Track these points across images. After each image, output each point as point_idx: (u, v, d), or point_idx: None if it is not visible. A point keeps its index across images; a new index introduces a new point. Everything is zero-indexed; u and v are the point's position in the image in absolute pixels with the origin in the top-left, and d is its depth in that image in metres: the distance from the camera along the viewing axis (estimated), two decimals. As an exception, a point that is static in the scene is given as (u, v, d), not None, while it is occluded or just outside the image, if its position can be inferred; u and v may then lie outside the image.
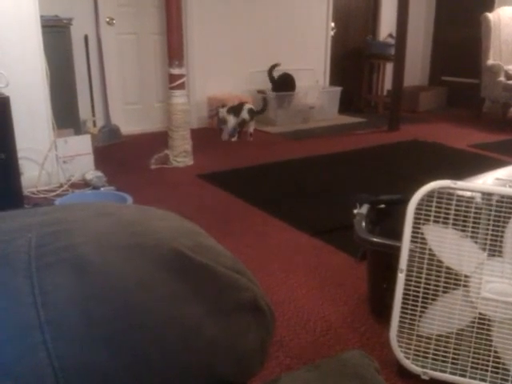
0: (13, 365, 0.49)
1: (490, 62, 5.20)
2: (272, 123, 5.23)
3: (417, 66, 6.73)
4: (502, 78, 5.07)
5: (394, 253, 1.48)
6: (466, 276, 1.40)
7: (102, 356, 0.51)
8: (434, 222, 1.42)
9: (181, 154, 3.80)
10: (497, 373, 1.38)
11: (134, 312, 0.54)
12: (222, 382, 0.61)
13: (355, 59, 6.29)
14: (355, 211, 1.83)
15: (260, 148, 4.37)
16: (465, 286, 1.40)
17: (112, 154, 4.17)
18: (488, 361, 1.38)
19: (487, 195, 1.40)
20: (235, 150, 4.31)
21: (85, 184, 3.31)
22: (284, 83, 5.27)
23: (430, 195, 1.42)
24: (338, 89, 5.75)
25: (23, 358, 0.49)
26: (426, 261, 1.43)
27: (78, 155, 3.39)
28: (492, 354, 1.38)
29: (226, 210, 2.91)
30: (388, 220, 1.85)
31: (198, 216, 2.77)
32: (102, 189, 3.15)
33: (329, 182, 3.40)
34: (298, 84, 5.37)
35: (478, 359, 1.39)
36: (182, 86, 3.71)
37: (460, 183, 1.41)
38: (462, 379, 1.41)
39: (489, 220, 1.38)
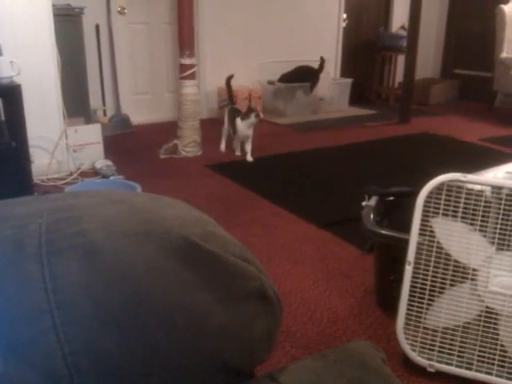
0: (25, 348, 0.50)
1: (504, 55, 5.14)
2: (282, 114, 5.22)
3: (429, 59, 6.67)
4: (515, 72, 5.01)
5: (402, 245, 1.48)
6: (473, 269, 1.40)
7: (111, 342, 0.52)
8: (443, 214, 1.42)
9: (190, 144, 3.81)
10: (503, 366, 1.38)
11: (143, 298, 0.55)
12: (228, 368, 0.62)
13: (367, 51, 6.24)
14: (364, 203, 1.82)
15: (269, 139, 4.37)
16: (472, 279, 1.40)
17: (122, 143, 4.18)
18: (494, 354, 1.38)
19: (497, 189, 1.39)
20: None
21: (94, 173, 3.33)
22: (297, 77, 5.25)
23: (439, 188, 1.42)
24: (349, 80, 5.72)
25: (34, 342, 0.50)
26: (433, 254, 1.42)
27: (88, 144, 3.41)
28: (498, 347, 1.38)
29: (235, 200, 2.92)
30: (397, 212, 1.85)
31: (206, 206, 2.78)
32: (111, 178, 3.16)
33: (338, 174, 3.39)
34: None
35: (485, 353, 1.39)
36: (192, 76, 3.71)
37: (470, 176, 1.41)
38: (467, 372, 1.41)
39: (498, 214, 1.38)
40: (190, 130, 3.79)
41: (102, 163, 3.34)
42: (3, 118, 2.64)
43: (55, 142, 3.22)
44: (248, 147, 3.78)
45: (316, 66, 5.31)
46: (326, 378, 0.70)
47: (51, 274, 0.52)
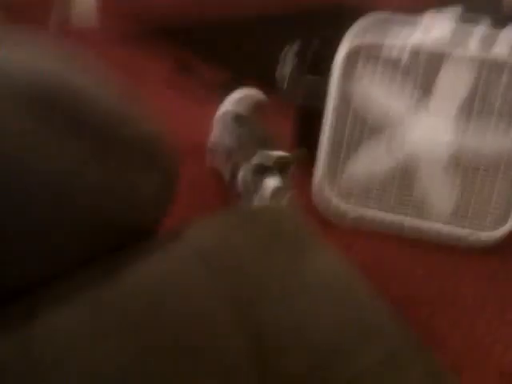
0: None
1: None
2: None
3: None
4: None
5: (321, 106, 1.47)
6: (392, 122, 1.43)
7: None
8: (362, 76, 1.42)
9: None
10: (418, 209, 1.47)
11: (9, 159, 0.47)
12: (117, 226, 0.57)
13: None
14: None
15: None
16: (391, 129, 1.43)
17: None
18: (411, 196, 1.47)
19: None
20: None
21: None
22: None
23: (356, 50, 1.40)
24: None
25: None
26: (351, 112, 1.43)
27: None
28: (414, 192, 1.47)
29: (137, 64, 2.61)
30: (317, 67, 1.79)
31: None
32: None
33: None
34: None
35: (402, 197, 1.47)
36: None
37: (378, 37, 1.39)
38: (386, 214, 1.49)
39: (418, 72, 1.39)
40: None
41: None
42: None
43: None
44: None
45: None
46: (233, 234, 0.65)
47: None
